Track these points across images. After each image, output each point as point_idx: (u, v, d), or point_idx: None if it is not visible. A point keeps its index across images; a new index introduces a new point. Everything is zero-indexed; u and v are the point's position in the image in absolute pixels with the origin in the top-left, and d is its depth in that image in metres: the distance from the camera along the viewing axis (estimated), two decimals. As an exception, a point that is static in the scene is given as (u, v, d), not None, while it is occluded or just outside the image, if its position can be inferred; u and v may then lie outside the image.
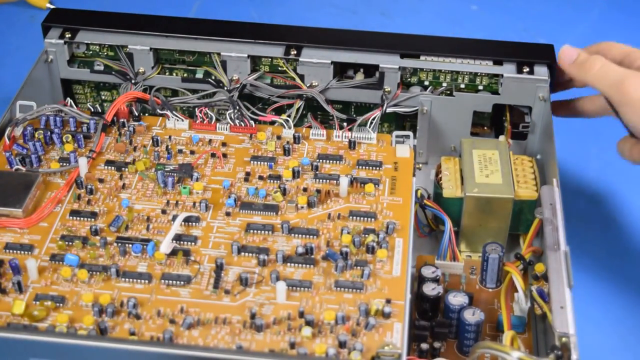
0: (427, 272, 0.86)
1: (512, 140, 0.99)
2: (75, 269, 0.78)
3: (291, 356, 0.72)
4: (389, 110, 0.98)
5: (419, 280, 0.86)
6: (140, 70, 0.99)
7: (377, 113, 0.96)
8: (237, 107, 0.93)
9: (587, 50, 0.94)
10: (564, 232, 0.82)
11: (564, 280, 0.78)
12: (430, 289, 0.84)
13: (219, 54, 0.98)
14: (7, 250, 0.80)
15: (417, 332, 0.82)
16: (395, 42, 0.99)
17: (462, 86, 0.98)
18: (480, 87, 0.98)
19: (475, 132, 1.02)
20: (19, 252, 0.80)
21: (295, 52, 0.98)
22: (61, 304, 0.76)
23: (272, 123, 0.95)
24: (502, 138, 0.98)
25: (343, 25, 1.00)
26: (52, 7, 1.24)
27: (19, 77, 0.95)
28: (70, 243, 0.80)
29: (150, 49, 0.98)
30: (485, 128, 1.03)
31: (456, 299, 0.83)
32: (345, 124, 0.96)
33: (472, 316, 0.81)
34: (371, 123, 0.96)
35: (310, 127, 0.95)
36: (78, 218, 0.83)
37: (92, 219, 0.83)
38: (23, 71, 0.96)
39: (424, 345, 0.81)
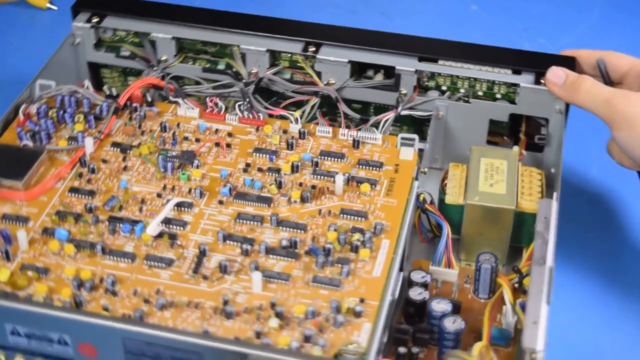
0: (416, 276, 0.85)
1: (526, 152, 0.98)
2: (64, 243, 0.80)
3: (252, 345, 0.72)
4: (404, 113, 0.98)
5: (408, 284, 0.85)
6: (163, 58, 1.02)
7: (390, 115, 0.96)
8: (247, 99, 0.94)
9: (588, 55, 0.95)
10: (553, 248, 0.80)
11: (543, 296, 0.76)
12: (416, 294, 0.84)
13: (239, 47, 0.99)
14: (4, 220, 0.83)
15: (398, 335, 0.82)
16: (414, 44, 0.99)
17: (480, 93, 0.98)
18: (498, 96, 0.97)
19: (494, 141, 1.01)
20: (14, 222, 0.82)
21: (313, 49, 0.98)
22: (45, 275, 0.78)
23: (286, 118, 0.95)
24: (515, 148, 0.97)
25: (342, 25, 1.01)
26: (52, 7, 1.26)
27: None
28: (64, 218, 0.83)
29: (173, 37, 1.00)
30: (505, 138, 1.02)
31: (439, 306, 0.82)
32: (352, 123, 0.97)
33: (452, 324, 0.80)
34: (384, 124, 0.96)
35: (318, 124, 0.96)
36: (76, 195, 0.85)
37: (90, 197, 0.85)
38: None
39: (402, 349, 0.80)
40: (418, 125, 1.02)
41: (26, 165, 0.85)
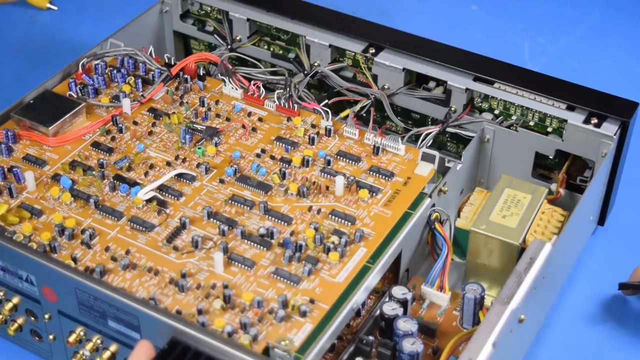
0: (397, 292, 0.83)
1: (565, 191, 0.93)
2: (65, 190, 0.85)
3: (178, 318, 0.73)
4: (451, 130, 0.95)
5: (388, 297, 0.84)
6: (237, 38, 1.04)
7: (433, 129, 0.95)
8: (288, 89, 0.95)
9: None
10: (525, 292, 0.76)
11: (491, 337, 0.73)
12: (389, 309, 0.82)
13: (305, 37, 1.00)
14: (24, 160, 0.88)
15: (359, 345, 0.81)
16: (476, 62, 0.96)
17: (531, 124, 0.93)
18: (550, 129, 0.93)
19: (547, 175, 0.96)
20: (33, 164, 0.88)
21: (373, 51, 0.98)
22: (36, 217, 0.83)
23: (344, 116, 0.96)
24: (553, 186, 0.92)
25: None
26: (52, 7, 1.27)
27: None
28: (74, 169, 0.87)
29: (247, 19, 1.03)
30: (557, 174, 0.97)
31: (404, 325, 0.80)
32: (378, 128, 0.95)
33: (410, 345, 0.78)
34: (424, 138, 0.94)
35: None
36: (96, 150, 0.90)
37: (107, 154, 0.89)
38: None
39: (358, 359, 0.79)
40: (467, 145, 0.99)
41: (60, 114, 0.91)
